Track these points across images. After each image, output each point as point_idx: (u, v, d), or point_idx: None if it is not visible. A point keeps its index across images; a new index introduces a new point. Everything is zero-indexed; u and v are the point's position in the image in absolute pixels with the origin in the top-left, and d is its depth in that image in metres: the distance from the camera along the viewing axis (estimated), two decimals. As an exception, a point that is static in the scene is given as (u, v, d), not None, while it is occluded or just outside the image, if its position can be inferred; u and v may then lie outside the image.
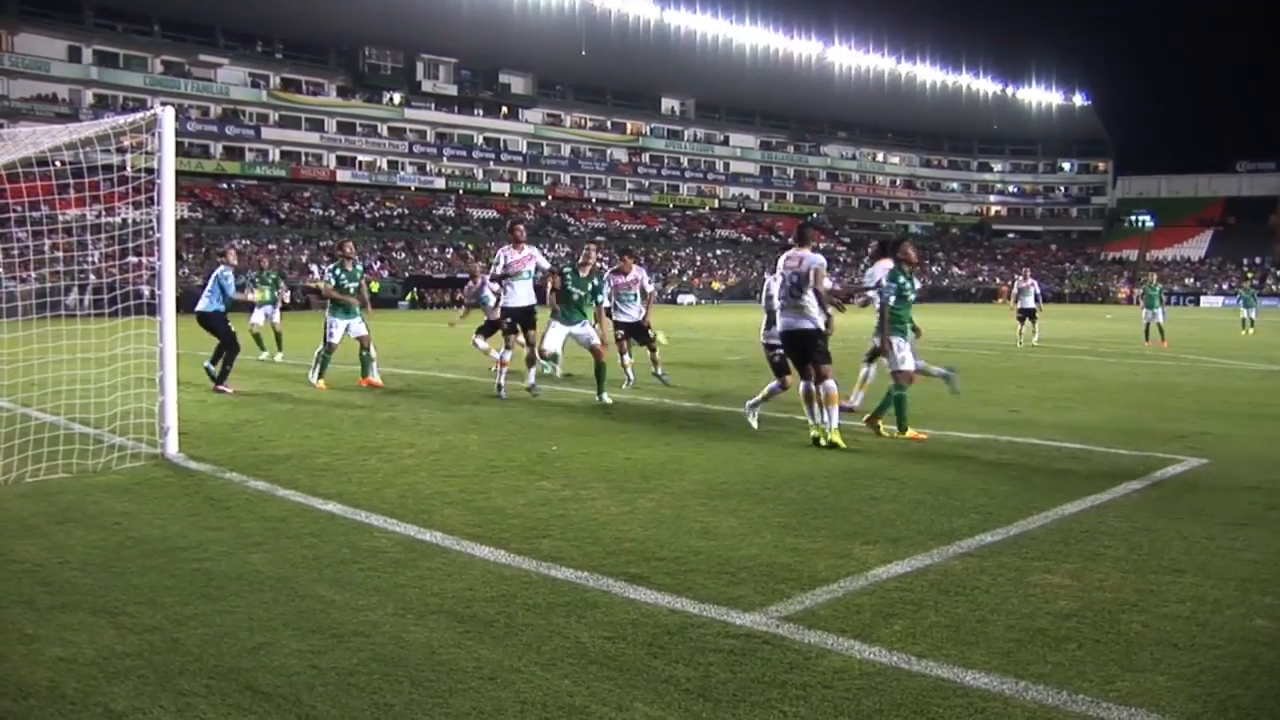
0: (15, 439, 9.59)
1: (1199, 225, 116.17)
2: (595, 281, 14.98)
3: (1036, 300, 30.03)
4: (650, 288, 17.42)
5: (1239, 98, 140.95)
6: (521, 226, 15.77)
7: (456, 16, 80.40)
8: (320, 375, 16.35)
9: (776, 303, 11.67)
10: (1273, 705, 4.43)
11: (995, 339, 30.54)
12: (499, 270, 15.25)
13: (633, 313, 17.00)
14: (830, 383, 11.12)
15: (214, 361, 16.28)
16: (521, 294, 15.31)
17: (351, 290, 16.72)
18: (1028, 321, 29.75)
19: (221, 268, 16.68)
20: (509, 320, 15.49)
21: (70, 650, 4.94)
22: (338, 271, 16.89)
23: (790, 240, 11.90)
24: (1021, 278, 30.87)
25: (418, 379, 17.84)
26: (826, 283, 11.47)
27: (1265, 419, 13.60)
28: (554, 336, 14.62)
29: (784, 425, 12.31)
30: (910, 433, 11.49)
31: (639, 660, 4.83)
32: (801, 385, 11.51)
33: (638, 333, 17.00)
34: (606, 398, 14.23)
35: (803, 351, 11.44)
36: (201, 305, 16.44)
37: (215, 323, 16.50)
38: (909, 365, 11.81)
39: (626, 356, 16.82)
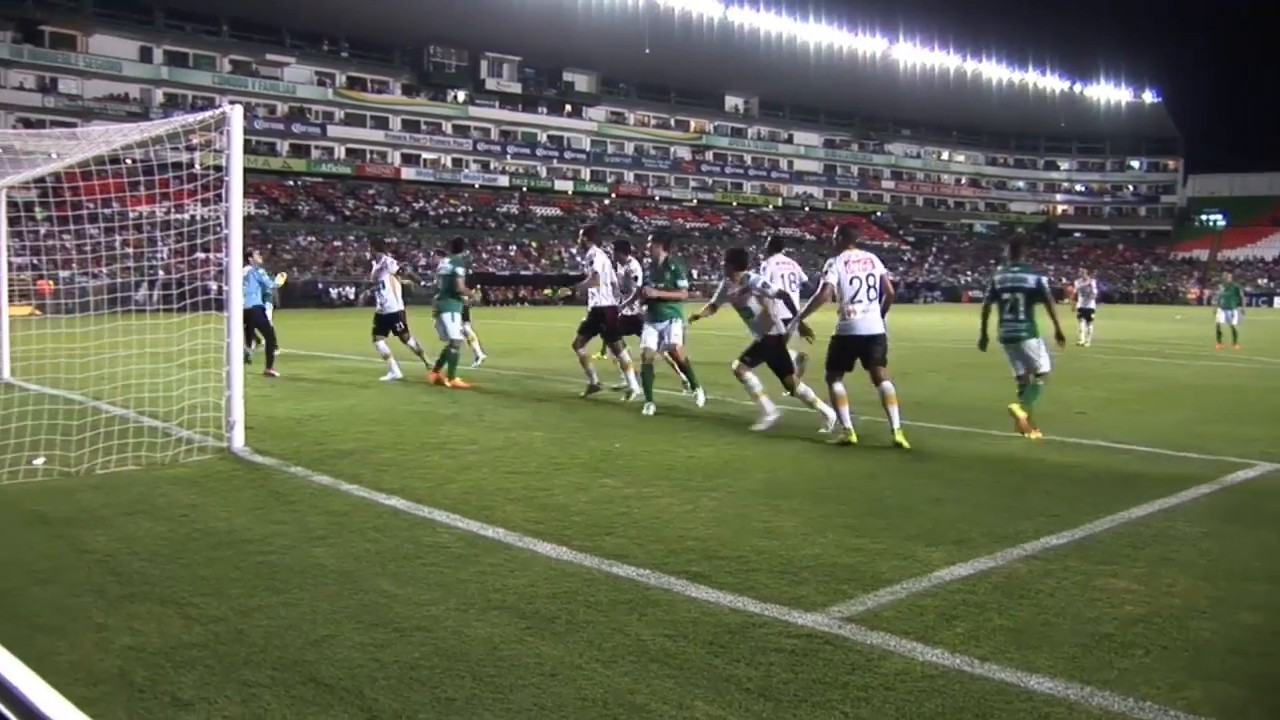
0: (86, 431, 9.74)
1: (1273, 225, 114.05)
2: (672, 269, 14.63)
3: (1095, 300, 30.20)
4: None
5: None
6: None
7: (520, 15, 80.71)
8: (453, 373, 16.25)
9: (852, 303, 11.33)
10: (1347, 714, 4.34)
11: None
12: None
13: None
14: (888, 384, 11.18)
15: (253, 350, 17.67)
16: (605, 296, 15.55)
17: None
18: (1084, 321, 29.56)
19: (250, 267, 17.10)
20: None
21: (139, 639, 5.01)
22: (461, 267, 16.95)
23: (836, 241, 11.71)
24: (1081, 278, 30.65)
25: (481, 375, 17.90)
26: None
27: (1339, 422, 13.34)
28: (648, 336, 14.25)
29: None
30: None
31: (700, 659, 4.81)
32: (839, 385, 11.32)
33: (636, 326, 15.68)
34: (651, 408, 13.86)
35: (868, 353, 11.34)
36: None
37: (259, 317, 17.79)
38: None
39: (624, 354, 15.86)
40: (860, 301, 11.23)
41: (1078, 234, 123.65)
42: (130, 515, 7.61)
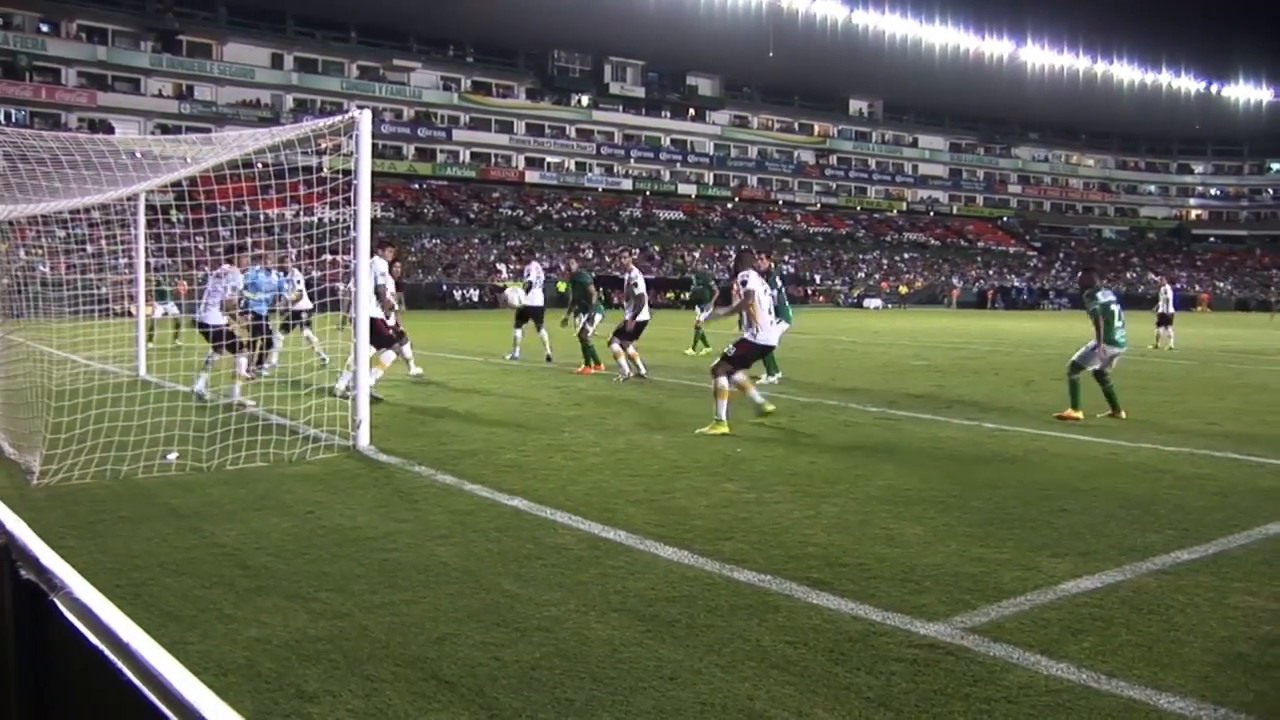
0: (217, 429, 9.98)
1: None
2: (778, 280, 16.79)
3: (1172, 306, 30.91)
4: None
5: None
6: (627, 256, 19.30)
7: (644, 19, 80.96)
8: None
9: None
10: None
11: (1191, 348, 29.42)
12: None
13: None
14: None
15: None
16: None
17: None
18: (1166, 327, 30.39)
19: (257, 268, 16.94)
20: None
21: (266, 631, 5.12)
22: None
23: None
24: (1161, 284, 31.40)
25: (602, 379, 17.99)
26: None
27: None
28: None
29: (971, 432, 12.07)
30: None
31: (820, 666, 4.77)
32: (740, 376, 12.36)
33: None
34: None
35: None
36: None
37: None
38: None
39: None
40: (770, 315, 12.60)
41: (1212, 239, 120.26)
42: (258, 510, 7.79)
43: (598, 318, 19.64)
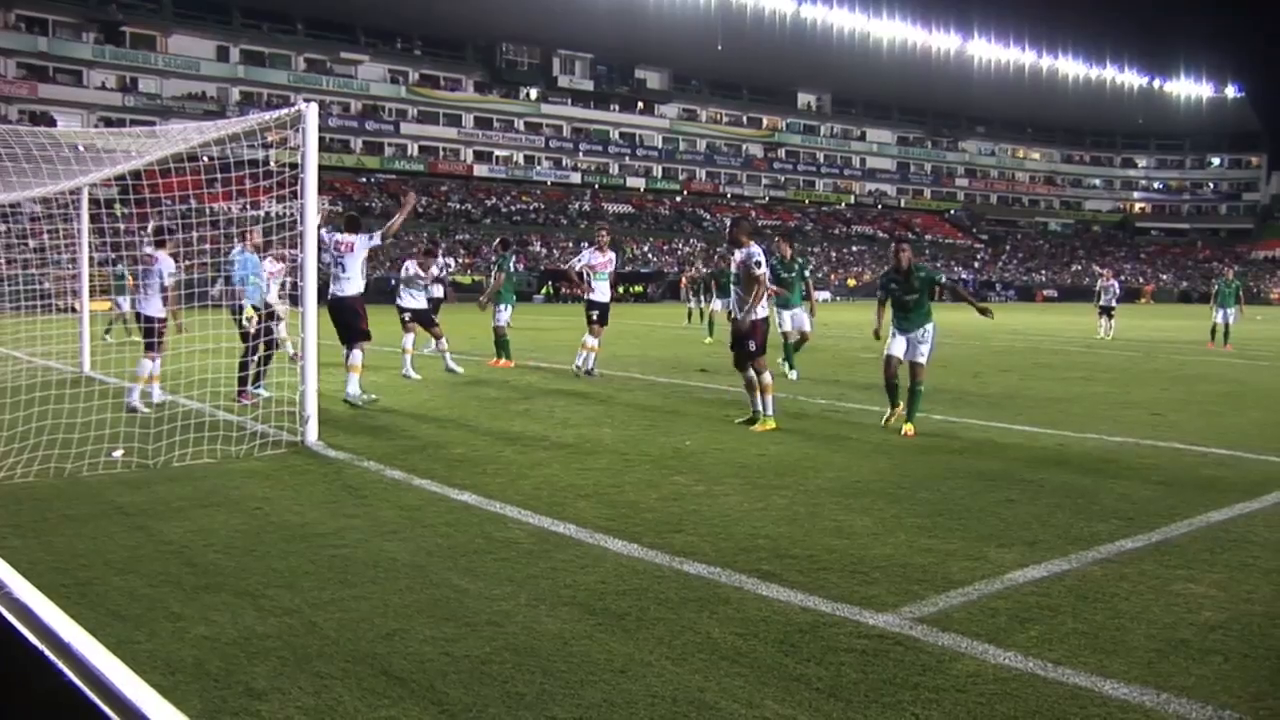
0: (164, 424, 9.90)
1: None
2: (798, 264, 17.40)
3: (1114, 298, 32.05)
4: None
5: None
6: (605, 232, 17.96)
7: (593, 12, 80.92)
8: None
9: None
10: None
11: (1136, 339, 29.75)
12: (579, 266, 17.42)
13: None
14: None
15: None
16: (603, 291, 17.39)
17: None
18: (1107, 318, 31.64)
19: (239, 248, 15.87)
20: (595, 312, 17.23)
21: (214, 629, 5.08)
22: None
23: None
24: (1103, 277, 32.24)
25: (553, 372, 17.97)
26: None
27: None
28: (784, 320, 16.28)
29: (920, 424, 12.15)
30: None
31: (770, 658, 4.80)
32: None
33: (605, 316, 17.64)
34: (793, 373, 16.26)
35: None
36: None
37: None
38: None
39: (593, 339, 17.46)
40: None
41: (1155, 232, 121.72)
42: (206, 507, 7.73)
43: (508, 308, 19.40)
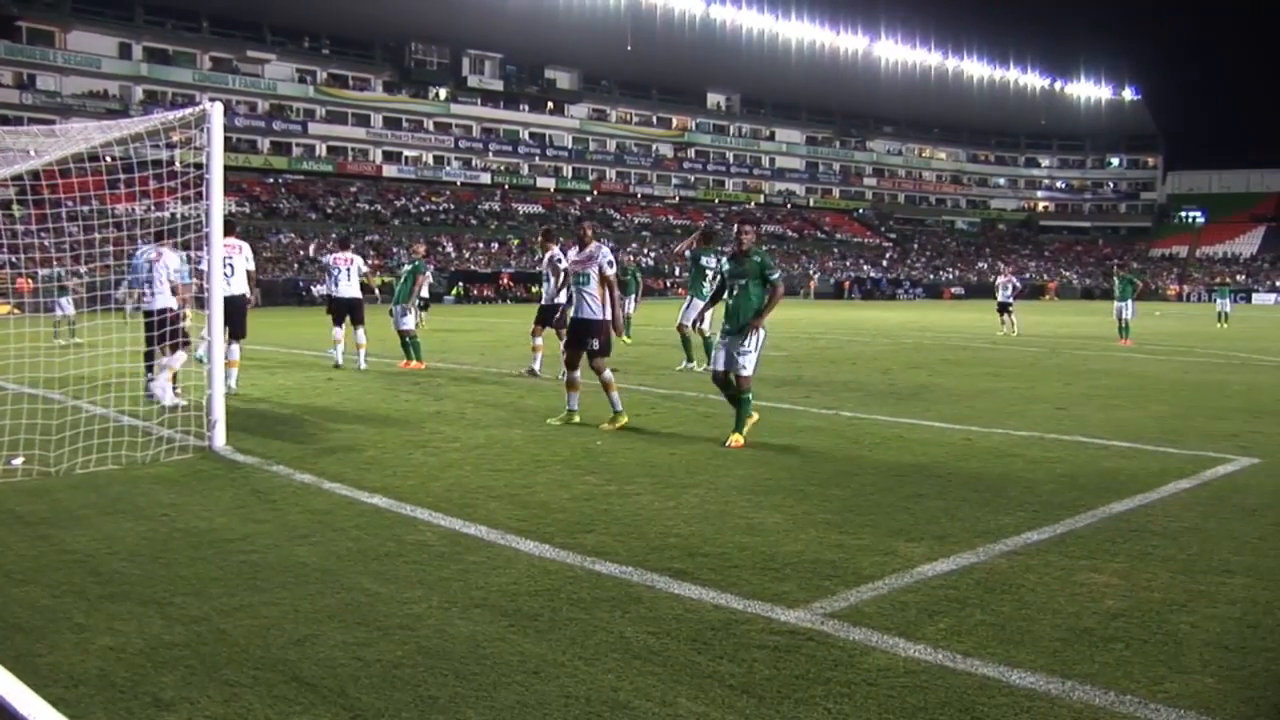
0: (66, 431, 9.69)
1: (1251, 221, 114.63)
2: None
3: (1013, 295, 32.75)
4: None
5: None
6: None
7: (502, 12, 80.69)
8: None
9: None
10: (1326, 708, 4.37)
11: (1040, 335, 30.27)
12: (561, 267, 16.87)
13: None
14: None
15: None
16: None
17: None
18: (1007, 315, 32.11)
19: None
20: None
21: (119, 639, 4.99)
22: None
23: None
24: (1001, 273, 33.01)
25: (463, 374, 17.89)
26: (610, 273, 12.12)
27: (1318, 418, 13.41)
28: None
29: (830, 421, 12.27)
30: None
31: (683, 656, 4.82)
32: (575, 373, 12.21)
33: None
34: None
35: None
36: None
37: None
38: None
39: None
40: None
41: (1059, 230, 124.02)
42: (110, 515, 7.59)
43: (413, 314, 19.32)
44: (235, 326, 13.96)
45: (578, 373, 12.12)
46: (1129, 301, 29.94)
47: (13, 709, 1.21)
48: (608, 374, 12.04)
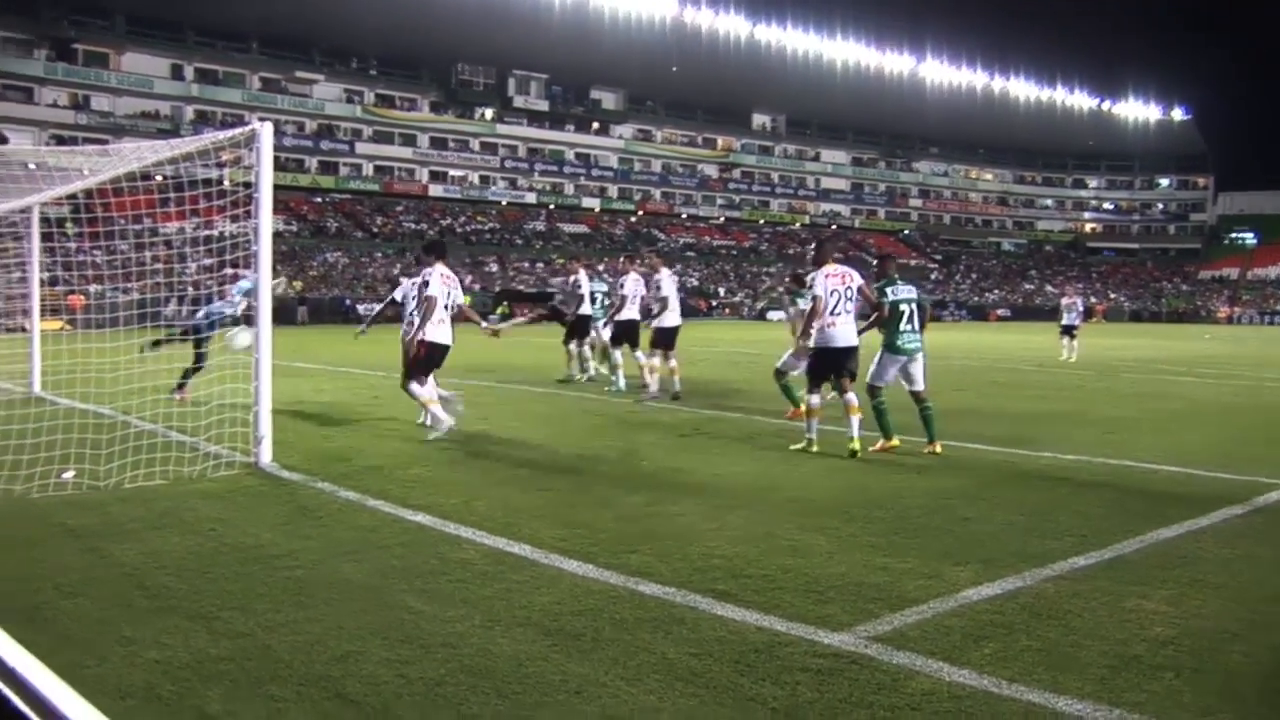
0: (115, 445, 9.78)
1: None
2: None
3: (1079, 317, 31.10)
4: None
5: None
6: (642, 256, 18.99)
7: (548, 33, 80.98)
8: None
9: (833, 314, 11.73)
10: (1380, 739, 4.29)
11: (1089, 359, 29.98)
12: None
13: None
14: (852, 395, 11.70)
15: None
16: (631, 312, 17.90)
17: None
18: (1069, 338, 30.38)
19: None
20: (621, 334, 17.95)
21: (166, 653, 5.02)
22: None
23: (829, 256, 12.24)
24: (1067, 296, 31.60)
25: (508, 392, 17.93)
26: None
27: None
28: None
29: (874, 442, 12.21)
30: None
31: (725, 678, 4.80)
32: (815, 398, 11.88)
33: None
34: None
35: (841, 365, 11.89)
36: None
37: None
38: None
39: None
40: (839, 314, 11.64)
41: (1106, 252, 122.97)
42: (158, 529, 7.65)
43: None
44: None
45: (815, 399, 11.86)
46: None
47: None
48: (414, 388, 12.26)
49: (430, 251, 12.82)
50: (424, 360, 12.16)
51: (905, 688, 4.69)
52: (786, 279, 18.41)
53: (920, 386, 12.08)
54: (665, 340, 17.03)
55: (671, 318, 17.14)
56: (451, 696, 4.54)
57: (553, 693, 4.59)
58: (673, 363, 17.04)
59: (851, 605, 5.88)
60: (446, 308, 12.25)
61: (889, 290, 12.13)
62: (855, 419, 11.46)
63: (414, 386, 12.21)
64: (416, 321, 12.17)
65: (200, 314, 13.50)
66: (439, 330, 12.22)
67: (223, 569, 6.54)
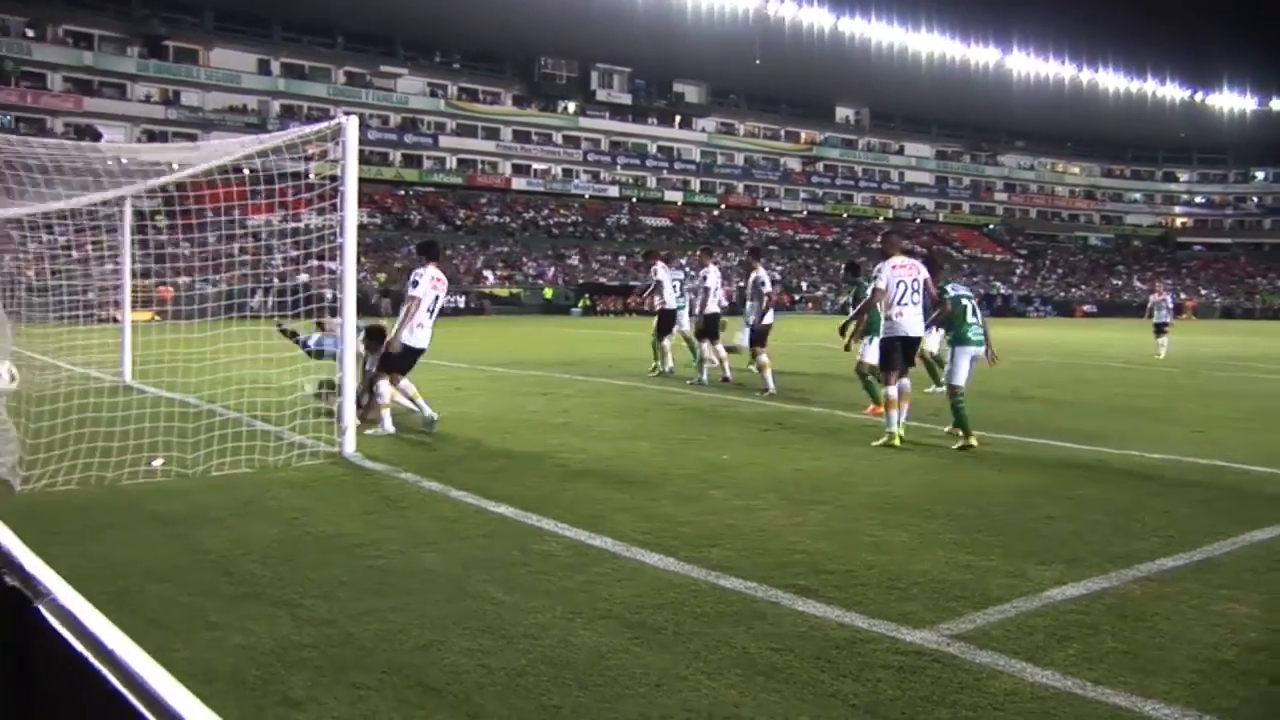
0: (202, 434, 9.95)
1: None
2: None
3: (1169, 314, 30.53)
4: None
5: None
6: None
7: (631, 26, 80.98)
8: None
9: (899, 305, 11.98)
10: None
11: (1177, 355, 29.45)
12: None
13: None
14: (906, 381, 12.15)
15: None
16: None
17: None
18: (1163, 335, 29.85)
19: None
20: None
21: (251, 639, 5.10)
22: None
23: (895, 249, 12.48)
24: (1156, 293, 30.94)
25: (590, 386, 17.99)
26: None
27: None
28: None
29: (958, 439, 12.09)
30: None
31: (806, 673, 4.77)
32: (892, 389, 12.00)
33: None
34: None
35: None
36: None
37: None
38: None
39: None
40: (905, 304, 11.91)
41: (1197, 247, 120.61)
42: (243, 517, 7.77)
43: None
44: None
45: (891, 390, 11.97)
46: None
47: (166, 703, 1.24)
48: (904, 381, 12.15)
49: (423, 252, 12.84)
50: (397, 360, 12.07)
51: (988, 687, 4.64)
52: (844, 269, 18.79)
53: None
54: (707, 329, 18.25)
55: (710, 306, 18.20)
56: (533, 687, 4.56)
57: (634, 685, 4.60)
58: (720, 350, 18.24)
59: (934, 603, 5.83)
60: (430, 311, 12.21)
61: (949, 287, 12.41)
62: (904, 406, 11.95)
63: (382, 385, 12.18)
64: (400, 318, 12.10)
65: (313, 341, 13.61)
66: (417, 334, 12.13)
67: (306, 557, 6.63)
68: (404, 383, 12.20)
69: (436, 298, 12.30)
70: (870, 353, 14.00)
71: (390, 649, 5.01)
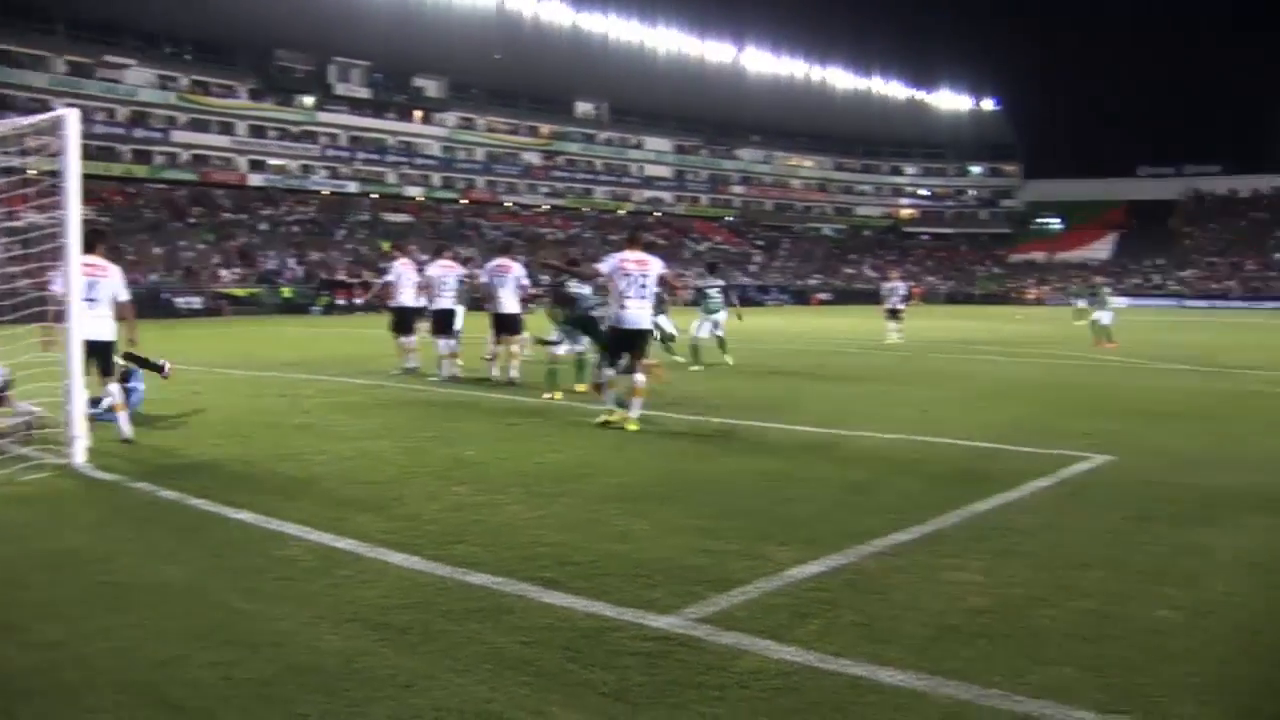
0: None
1: (1104, 228, 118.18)
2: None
3: (903, 300, 31.88)
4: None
5: (1141, 104, 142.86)
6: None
7: (369, 19, 79.78)
8: None
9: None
10: (1176, 691, 4.54)
11: (907, 340, 30.82)
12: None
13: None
14: (640, 376, 12.45)
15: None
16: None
17: None
18: (896, 321, 31.28)
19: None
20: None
21: (-30, 668, 4.84)
22: None
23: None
24: (889, 280, 32.50)
25: (331, 385, 17.65)
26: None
27: (1167, 416, 13.91)
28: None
29: (699, 427, 12.37)
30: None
31: (555, 664, 4.82)
32: (608, 373, 12.80)
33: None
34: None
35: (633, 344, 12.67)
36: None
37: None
38: None
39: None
40: (631, 298, 12.51)
41: (923, 236, 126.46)
42: (-39, 537, 7.34)
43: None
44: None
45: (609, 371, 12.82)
46: (1109, 309, 30.63)
47: None
48: (638, 376, 12.45)
49: (85, 239, 12.11)
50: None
51: (733, 667, 4.78)
52: (552, 261, 19.90)
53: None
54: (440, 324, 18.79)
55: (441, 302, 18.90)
56: (279, 696, 4.47)
57: (383, 687, 4.56)
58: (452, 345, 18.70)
59: (678, 588, 5.96)
60: (90, 300, 11.21)
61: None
62: (638, 400, 12.29)
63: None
64: None
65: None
66: (90, 327, 11.04)
67: (32, 577, 6.31)
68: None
69: (91, 284, 11.44)
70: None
71: (126, 668, 4.82)
